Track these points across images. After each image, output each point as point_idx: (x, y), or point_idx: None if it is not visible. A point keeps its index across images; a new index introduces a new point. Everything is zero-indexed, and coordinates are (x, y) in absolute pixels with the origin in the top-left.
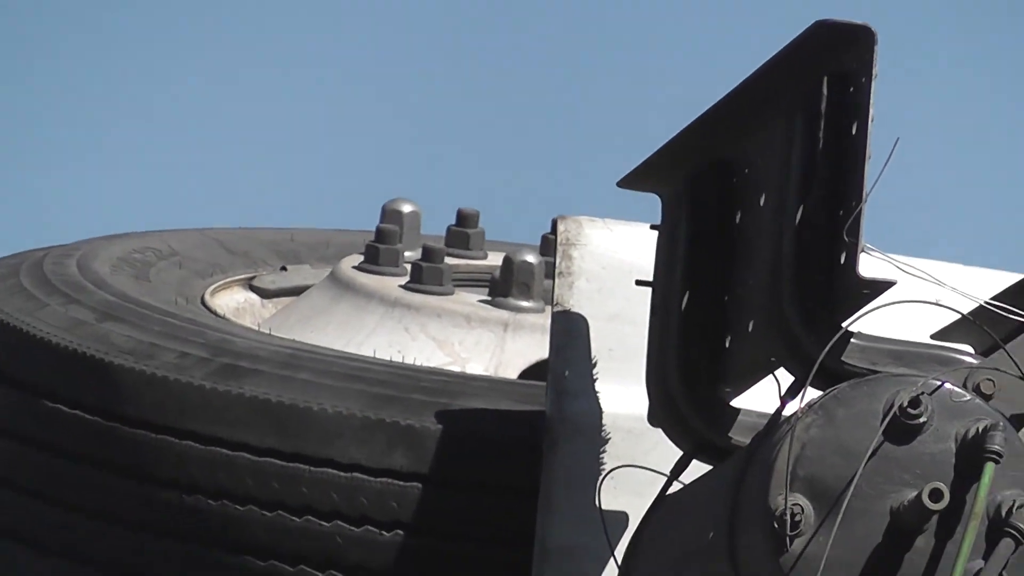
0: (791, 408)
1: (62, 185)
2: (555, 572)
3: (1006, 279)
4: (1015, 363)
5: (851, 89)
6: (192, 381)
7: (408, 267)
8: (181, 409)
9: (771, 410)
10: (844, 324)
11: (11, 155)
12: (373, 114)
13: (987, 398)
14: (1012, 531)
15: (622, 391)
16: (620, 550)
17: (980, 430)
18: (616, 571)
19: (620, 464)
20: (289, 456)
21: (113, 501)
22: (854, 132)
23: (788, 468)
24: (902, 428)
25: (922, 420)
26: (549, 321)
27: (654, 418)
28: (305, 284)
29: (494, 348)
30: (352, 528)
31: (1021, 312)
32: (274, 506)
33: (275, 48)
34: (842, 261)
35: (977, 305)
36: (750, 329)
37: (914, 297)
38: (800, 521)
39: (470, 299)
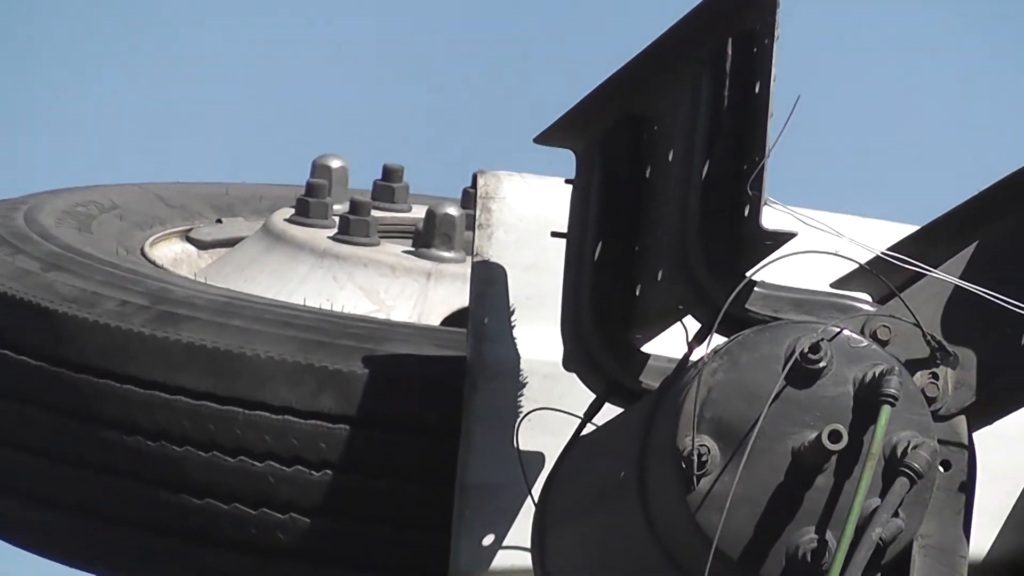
0: (698, 353)
1: (3, 142)
2: (475, 508)
3: (903, 230)
4: (910, 310)
5: (755, 50)
6: (132, 328)
7: (336, 219)
8: (122, 354)
9: (679, 355)
10: (748, 273)
11: None
12: (304, 72)
13: (883, 344)
14: (907, 470)
15: (539, 337)
16: (537, 488)
17: (877, 374)
18: (532, 508)
19: (537, 407)
20: (224, 399)
21: (58, 442)
22: (757, 91)
23: (695, 410)
24: (803, 372)
25: (822, 365)
26: (469, 271)
27: (569, 362)
28: (239, 236)
29: (418, 296)
30: (284, 468)
31: (915, 262)
32: (210, 447)
33: (216, 7)
34: (746, 213)
35: (874, 255)
36: (659, 278)
37: (815, 248)
38: (706, 461)
39: (395, 250)
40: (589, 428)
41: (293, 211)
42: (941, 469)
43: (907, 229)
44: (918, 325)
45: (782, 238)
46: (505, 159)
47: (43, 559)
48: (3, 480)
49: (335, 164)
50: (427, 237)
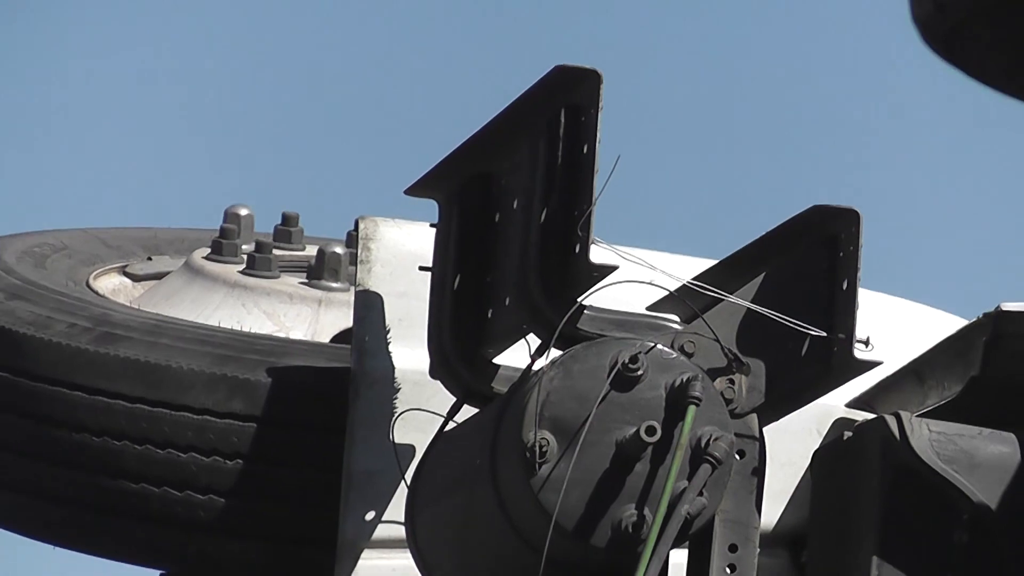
0: (538, 364)
1: None
2: (358, 491)
3: (705, 263)
4: (710, 328)
5: (583, 118)
6: (79, 345)
7: (245, 257)
8: (71, 367)
9: (523, 366)
10: (579, 299)
11: None
12: (217, 128)
13: (689, 356)
14: (709, 458)
15: (409, 351)
16: (409, 474)
17: (684, 380)
18: (405, 491)
19: (408, 408)
20: (154, 403)
21: (17, 439)
22: (584, 152)
23: (537, 410)
24: (624, 379)
25: (639, 373)
26: (353, 298)
27: (434, 372)
28: (166, 271)
29: (311, 319)
30: (203, 458)
31: (715, 289)
32: (143, 441)
33: (138, 68)
34: (576, 251)
35: (681, 284)
36: (506, 303)
37: (633, 278)
38: (546, 451)
39: (292, 282)
40: (451, 425)
41: (209, 250)
42: (737, 457)
43: (709, 262)
44: (717, 340)
45: (606, 270)
46: (384, 204)
47: (40, 560)
48: None
49: (243, 212)
50: (318, 271)
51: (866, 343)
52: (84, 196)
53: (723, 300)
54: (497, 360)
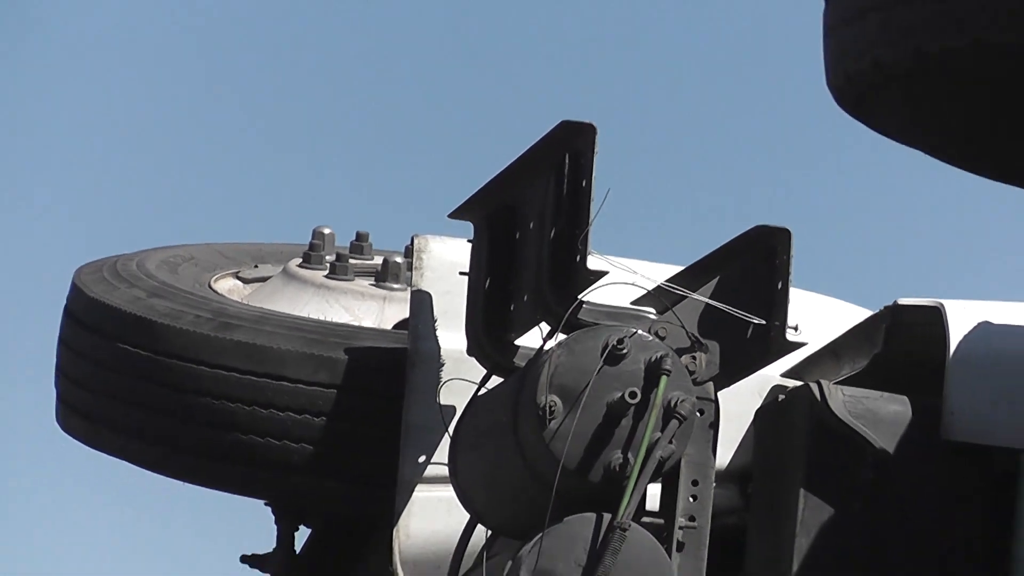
0: (549, 345)
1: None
2: (413, 443)
3: (674, 269)
4: (678, 318)
5: (582, 161)
6: (203, 332)
7: (328, 265)
8: (196, 348)
9: (537, 347)
10: (579, 296)
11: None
12: (308, 162)
13: (662, 339)
14: (677, 415)
15: (451, 336)
16: (451, 429)
17: (658, 357)
18: (448, 440)
19: (451, 378)
20: (259, 375)
21: (156, 403)
22: (583, 186)
23: (547, 380)
24: (613, 356)
25: (625, 351)
26: (409, 296)
27: (470, 351)
28: (269, 275)
29: (378, 312)
30: (296, 416)
31: (682, 288)
32: (251, 404)
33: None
34: (577, 260)
35: (656, 285)
36: (524, 300)
37: (620, 280)
38: (555, 411)
39: (364, 284)
40: (483, 391)
41: (301, 260)
42: (698, 414)
43: (678, 268)
44: (683, 327)
45: (599, 275)
46: (431, 226)
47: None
48: (128, 422)
49: (326, 231)
50: (383, 275)
51: (795, 329)
52: (207, 215)
53: (687, 297)
54: (518, 342)
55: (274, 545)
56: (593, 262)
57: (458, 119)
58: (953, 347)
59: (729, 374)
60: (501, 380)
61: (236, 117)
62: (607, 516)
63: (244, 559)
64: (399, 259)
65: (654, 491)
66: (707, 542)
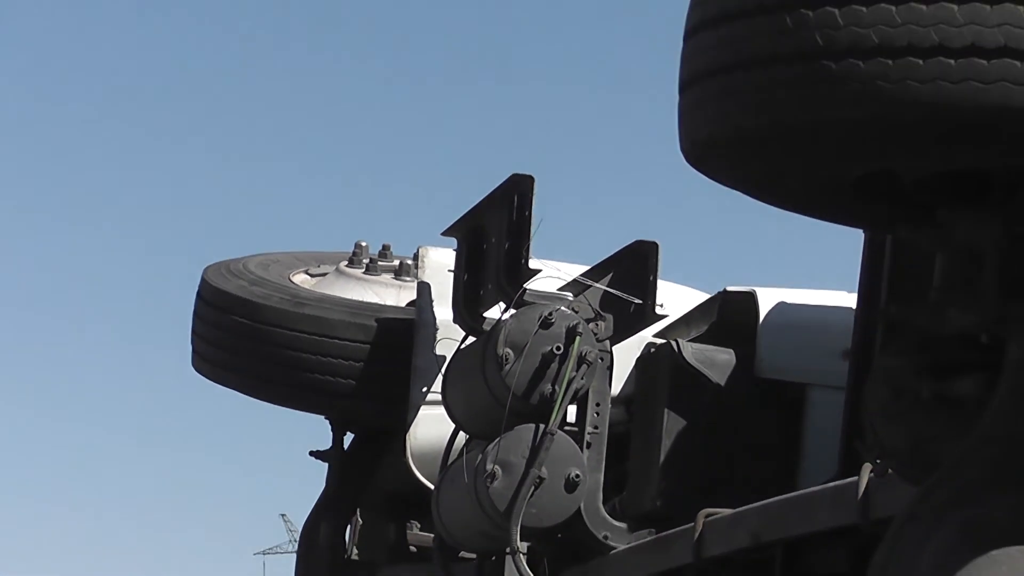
0: (505, 316)
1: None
2: (419, 379)
3: (586, 268)
4: (586, 299)
5: (525, 199)
6: (286, 308)
7: (365, 265)
8: (282, 319)
9: (497, 317)
10: (524, 285)
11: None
12: (345, 193)
13: (576, 312)
14: (586, 361)
15: (444, 310)
16: (443, 370)
17: (574, 324)
18: (441, 377)
19: (443, 337)
20: (321, 335)
21: (274, 357)
22: (527, 215)
23: (503, 338)
24: (546, 323)
25: (553, 320)
26: (416, 286)
27: (455, 320)
28: (327, 272)
29: (396, 296)
30: (345, 362)
31: (589, 280)
32: (317, 354)
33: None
34: (523, 262)
35: (573, 278)
36: (489, 288)
37: (551, 275)
38: (508, 359)
39: (387, 278)
40: (463, 346)
41: (348, 262)
42: (600, 361)
43: (587, 267)
44: (590, 305)
45: (537, 272)
46: (431, 238)
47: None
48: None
49: (364, 243)
50: (400, 272)
51: (661, 306)
52: (291, 232)
53: (592, 286)
54: (485, 315)
55: (330, 445)
56: (533, 263)
57: (454, 166)
58: (762, 317)
59: (619, 335)
60: (474, 339)
61: (308, 160)
62: (542, 426)
63: (312, 453)
64: (410, 261)
65: (572, 410)
66: (606, 442)
